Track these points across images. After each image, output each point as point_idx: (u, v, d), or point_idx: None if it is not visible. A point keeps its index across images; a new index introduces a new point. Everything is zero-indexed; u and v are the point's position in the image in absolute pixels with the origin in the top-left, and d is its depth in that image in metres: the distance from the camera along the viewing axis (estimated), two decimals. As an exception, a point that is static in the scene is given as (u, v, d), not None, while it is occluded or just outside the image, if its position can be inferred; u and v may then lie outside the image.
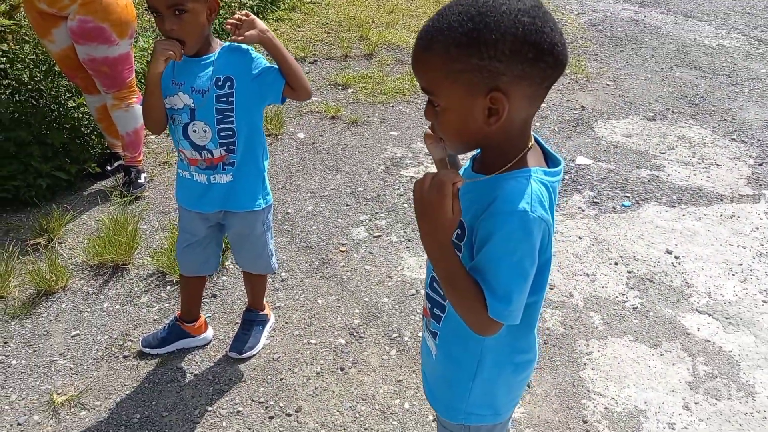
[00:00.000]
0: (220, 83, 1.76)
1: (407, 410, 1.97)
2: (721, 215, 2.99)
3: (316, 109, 4.25)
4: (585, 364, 2.12)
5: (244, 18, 1.72)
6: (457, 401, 1.20)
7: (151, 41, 4.63)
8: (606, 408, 1.95)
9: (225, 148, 1.82)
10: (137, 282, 2.60)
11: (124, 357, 2.20)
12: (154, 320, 2.38)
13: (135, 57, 4.30)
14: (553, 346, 2.19)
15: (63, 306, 2.46)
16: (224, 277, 2.60)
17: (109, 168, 3.35)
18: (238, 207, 1.92)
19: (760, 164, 3.51)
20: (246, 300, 2.37)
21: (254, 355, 2.19)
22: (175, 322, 2.20)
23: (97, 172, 3.31)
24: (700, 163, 3.52)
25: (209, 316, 2.36)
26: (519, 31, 0.90)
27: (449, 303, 1.12)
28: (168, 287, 2.56)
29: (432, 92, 0.98)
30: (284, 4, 6.56)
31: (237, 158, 1.85)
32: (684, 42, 6.02)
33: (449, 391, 1.21)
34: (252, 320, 2.23)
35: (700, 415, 1.92)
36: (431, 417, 1.95)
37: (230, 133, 1.80)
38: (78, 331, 2.33)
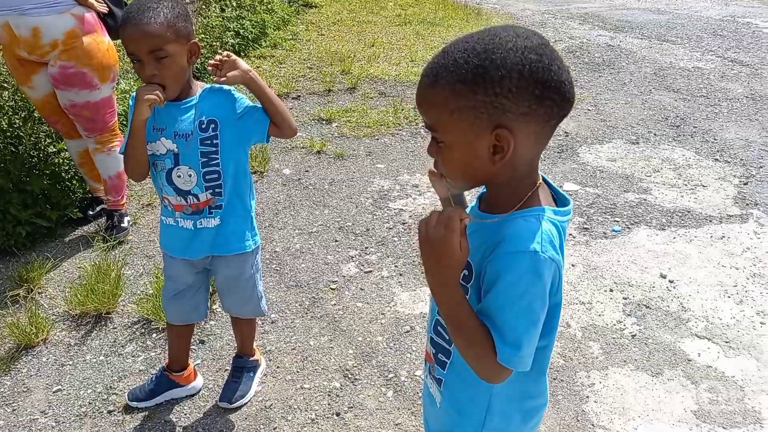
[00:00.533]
0: (203, 126, 1.72)
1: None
2: (712, 236, 2.98)
3: (301, 145, 4.23)
4: (587, 396, 2.07)
5: (225, 59, 1.70)
6: None
7: (132, 83, 4.60)
8: (612, 443, 1.90)
9: (211, 191, 1.77)
10: (121, 331, 2.51)
11: (109, 412, 2.11)
12: (140, 371, 2.29)
13: (116, 99, 4.27)
14: (554, 379, 2.14)
15: (44, 360, 2.36)
16: (212, 322, 2.52)
17: (91, 213, 3.28)
18: (227, 251, 1.86)
19: (745, 183, 3.53)
20: (235, 345, 2.29)
21: (246, 404, 2.10)
22: (163, 372, 2.11)
23: (78, 218, 3.24)
24: (686, 185, 3.54)
25: (198, 364, 2.28)
26: (525, 68, 0.88)
27: (455, 348, 1.08)
28: (154, 335, 2.48)
29: (436, 129, 0.96)
30: (265, 42, 6.61)
31: (224, 201, 1.80)
32: (660, 65, 6.13)
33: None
34: (242, 367, 2.15)
35: (709, 445, 1.87)
36: (433, 461, 1.87)
37: (216, 175, 1.76)
38: (60, 386, 2.23)
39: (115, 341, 2.45)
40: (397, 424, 2.00)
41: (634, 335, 2.34)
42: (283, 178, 3.81)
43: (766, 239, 2.94)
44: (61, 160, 3.39)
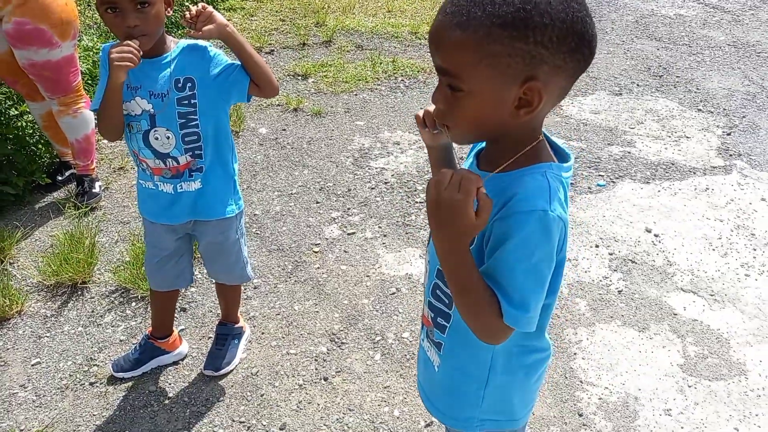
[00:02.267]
0: (180, 85, 1.61)
1: (397, 418, 1.88)
2: (696, 189, 2.97)
3: (277, 102, 4.09)
4: (575, 353, 2.07)
5: (201, 11, 1.57)
6: (468, 410, 1.13)
7: (96, 39, 4.38)
8: (600, 398, 1.91)
9: (191, 153, 1.68)
10: (99, 300, 2.44)
11: (91, 384, 2.06)
12: (121, 341, 2.24)
13: (80, 58, 4.05)
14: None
15: (20, 332, 2.29)
16: (193, 289, 2.45)
17: (60, 178, 3.15)
18: (210, 215, 1.79)
19: (728, 134, 3.51)
20: (218, 312, 2.24)
21: (231, 371, 2.07)
22: (147, 340, 2.06)
23: (47, 184, 3.10)
24: (669, 137, 3.51)
25: (181, 330, 2.23)
26: (568, 18, 0.82)
27: (455, 311, 1.03)
28: (133, 304, 2.41)
29: (457, 75, 0.87)
30: (235, -7, 6.32)
31: (205, 163, 1.71)
32: (642, 13, 6.02)
33: (459, 402, 1.14)
34: (227, 334, 2.10)
35: (696, 398, 1.89)
36: (423, 423, 1.87)
37: (195, 137, 1.67)
38: (38, 359, 2.16)
39: (93, 311, 2.38)
40: (386, 387, 1.99)
41: (621, 291, 2.34)
42: (259, 138, 3.69)
43: (749, 190, 2.94)
44: (24, 124, 3.22)
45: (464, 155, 1.16)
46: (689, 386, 1.93)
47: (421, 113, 1.07)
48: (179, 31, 4.72)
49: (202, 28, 1.56)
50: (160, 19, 1.56)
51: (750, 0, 6.38)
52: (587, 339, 2.12)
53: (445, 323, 1.08)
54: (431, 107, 0.99)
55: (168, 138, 1.65)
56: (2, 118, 3.16)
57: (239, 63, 1.65)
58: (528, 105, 0.86)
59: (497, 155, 0.94)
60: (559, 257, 0.93)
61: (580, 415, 1.85)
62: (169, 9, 1.59)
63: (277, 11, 5.91)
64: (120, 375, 2.05)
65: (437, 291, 1.08)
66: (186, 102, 1.63)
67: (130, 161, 3.45)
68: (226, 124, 1.76)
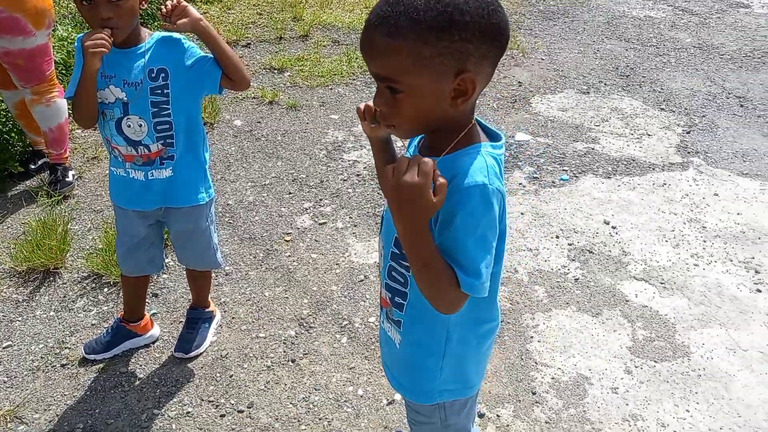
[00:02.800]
0: (153, 75, 1.68)
1: (361, 396, 1.97)
2: (654, 184, 3.10)
3: (253, 95, 4.14)
4: (532, 337, 2.17)
5: (176, 5, 1.64)
6: (428, 383, 1.21)
7: (70, 30, 4.37)
8: (553, 378, 2.01)
9: (162, 142, 1.75)
10: (71, 286, 2.48)
11: (62, 366, 2.11)
12: (93, 325, 2.28)
13: (54, 48, 4.05)
14: (501, 321, 2.23)
15: (-9, 315, 2.32)
16: (165, 276, 2.51)
17: (32, 167, 3.16)
18: (180, 202, 1.85)
19: (688, 132, 3.66)
20: (189, 297, 2.30)
21: (201, 354, 2.13)
22: (119, 323, 2.11)
23: (20, 172, 3.12)
24: (632, 134, 3.64)
25: (153, 314, 2.28)
26: (485, 12, 0.91)
27: (411, 289, 1.12)
28: (105, 289, 2.45)
29: (393, 79, 0.95)
30: (213, -14, 6.32)
31: (176, 152, 1.78)
32: (613, 14, 6.17)
33: (419, 376, 1.22)
34: (197, 318, 2.16)
35: (641, 377, 2.01)
36: (385, 401, 1.95)
37: (167, 126, 1.73)
38: (10, 342, 2.20)
39: (65, 296, 2.42)
40: (351, 368, 2.07)
41: (577, 279, 2.45)
42: (234, 130, 3.74)
43: (703, 186, 3.08)
44: (-3, 112, 3.23)
45: (404, 144, 1.24)
46: (636, 367, 2.04)
47: (362, 106, 1.14)
48: (155, 23, 4.73)
49: (176, 22, 1.62)
50: (134, 11, 1.62)
51: (717, 3, 6.58)
52: (544, 323, 2.23)
53: (403, 301, 1.16)
54: (371, 101, 1.07)
55: (140, 126, 1.71)
56: (-25, 106, 3.17)
57: (212, 56, 1.71)
58: (463, 94, 0.95)
59: (437, 142, 1.03)
60: (500, 227, 1.02)
61: (534, 393, 1.96)
62: (143, 2, 1.65)
63: (254, 5, 5.94)
64: (92, 357, 2.10)
65: (393, 272, 1.16)
66: (159, 92, 1.69)
67: (104, 151, 3.47)
68: (198, 114, 1.82)
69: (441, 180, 0.92)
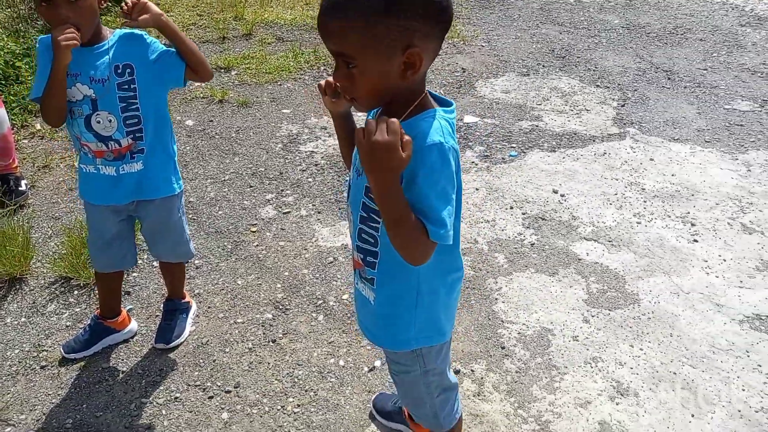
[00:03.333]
0: (119, 71, 1.72)
1: (342, 367, 2.07)
2: (595, 154, 3.32)
3: (201, 95, 4.15)
4: (496, 299, 2.32)
5: (136, 2, 1.68)
6: (404, 333, 1.32)
7: (5, 38, 4.26)
8: (519, 333, 2.17)
9: (132, 136, 1.79)
10: (40, 292, 2.47)
11: (42, 368, 2.11)
12: (67, 326, 2.29)
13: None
14: (467, 288, 2.37)
15: (-40, 328, 2.29)
16: (135, 274, 2.53)
17: None
18: (153, 194, 1.89)
19: (622, 105, 3.91)
20: (162, 292, 2.34)
21: (182, 343, 2.18)
22: (97, 321, 2.13)
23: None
24: (572, 110, 3.86)
25: (129, 309, 2.31)
26: None
27: (382, 248, 1.22)
28: (75, 292, 2.46)
29: (349, 56, 1.06)
30: (149, -11, 6.24)
31: (146, 145, 1.82)
32: (546, 0, 6.45)
33: (395, 326, 1.32)
34: (174, 309, 2.21)
35: (598, 324, 2.18)
36: (366, 369, 2.06)
37: (136, 120, 1.77)
38: (-17, 351, 2.19)
39: (34, 302, 2.41)
40: (330, 342, 2.16)
41: (533, 244, 2.62)
42: (187, 130, 3.75)
43: (640, 152, 3.32)
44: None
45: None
46: (592, 316, 2.22)
47: (323, 82, 1.25)
48: (117, 20, 4.66)
49: (138, 18, 1.67)
50: (94, 10, 1.66)
51: (640, -14, 6.97)
52: (506, 286, 2.38)
53: (374, 260, 1.27)
54: (332, 78, 1.18)
55: (110, 121, 1.75)
56: None
57: (174, 49, 1.77)
58: (412, 67, 1.07)
59: (394, 112, 1.13)
60: (456, 182, 1.13)
61: (503, 348, 2.10)
62: (103, 1, 1.69)
63: (193, 6, 5.90)
64: (71, 356, 2.11)
65: (363, 234, 1.26)
66: (126, 87, 1.74)
67: (55, 159, 3.43)
68: (165, 107, 1.87)
69: (407, 137, 1.03)
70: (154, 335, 2.19)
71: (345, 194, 1.41)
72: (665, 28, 5.40)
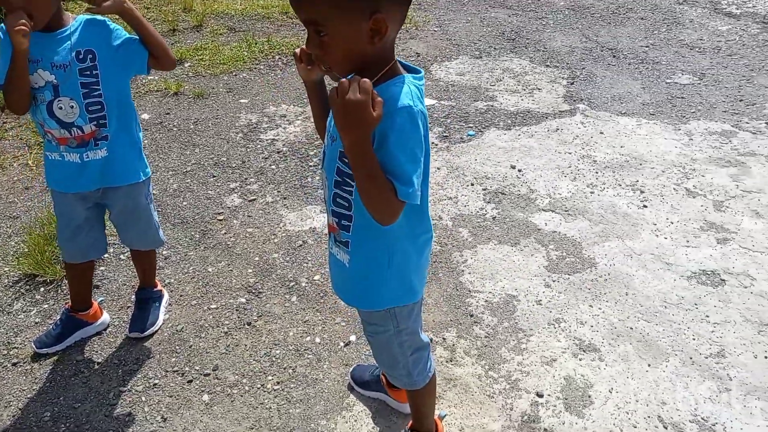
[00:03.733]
0: (81, 56, 1.71)
1: (319, 343, 2.12)
2: (548, 130, 3.45)
3: (156, 88, 4.10)
4: (462, 271, 2.42)
5: None
6: (378, 292, 1.38)
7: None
8: (486, 301, 2.27)
9: (95, 123, 1.79)
10: (4, 291, 2.43)
11: (14, 365, 2.09)
12: (36, 323, 2.27)
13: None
14: (434, 262, 2.46)
15: None
16: (102, 268, 2.51)
17: None
18: (119, 181, 1.90)
19: (572, 83, 4.06)
20: (133, 284, 2.34)
21: (157, 331, 2.19)
22: (68, 315, 2.12)
23: None
24: (524, 90, 3.99)
25: (101, 301, 2.30)
26: None
27: (355, 211, 1.28)
28: (41, 288, 2.43)
29: (320, 23, 1.11)
30: (93, -17, 6.07)
31: (110, 132, 1.82)
32: (493, -16, 6.58)
33: (370, 286, 1.39)
34: (147, 298, 2.22)
35: (559, 288, 2.31)
36: (342, 344, 2.12)
37: (99, 107, 1.77)
38: (-50, 352, 2.15)
39: (-1, 302, 2.38)
40: (305, 321, 2.22)
41: (494, 217, 2.72)
42: (143, 123, 3.70)
43: (590, 127, 3.47)
44: None
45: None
46: (553, 281, 2.34)
47: (298, 51, 1.30)
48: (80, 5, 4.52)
49: (101, 4, 1.67)
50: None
51: (582, -31, 7.18)
52: (471, 258, 2.48)
53: (349, 223, 1.33)
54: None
55: (72, 107, 1.74)
56: None
57: (138, 37, 1.77)
58: (378, 33, 1.13)
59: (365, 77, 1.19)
60: (425, 145, 1.19)
61: (471, 316, 2.20)
62: None
63: (140, -1, 5.78)
64: (44, 351, 2.10)
65: (337, 199, 1.32)
66: (88, 72, 1.73)
67: (8, 158, 3.34)
68: (128, 94, 1.87)
69: (378, 98, 1.09)
70: (128, 325, 2.19)
71: (320, 163, 1.45)
72: (608, 8, 5.60)
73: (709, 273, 2.34)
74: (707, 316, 2.15)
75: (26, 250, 2.57)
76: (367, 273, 1.38)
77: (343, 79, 1.10)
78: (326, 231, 1.46)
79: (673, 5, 5.47)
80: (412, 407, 1.71)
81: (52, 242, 2.51)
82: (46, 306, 2.35)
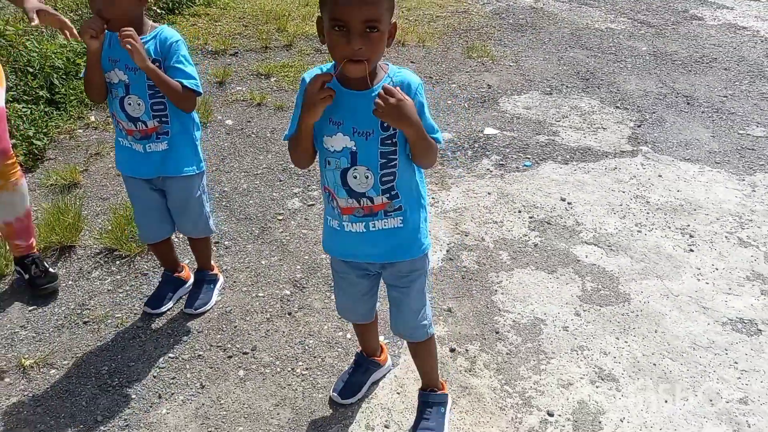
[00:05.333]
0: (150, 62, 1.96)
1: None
2: (606, 168, 3.48)
3: (242, 98, 4.46)
4: (496, 290, 2.51)
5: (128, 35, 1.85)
6: (423, 238, 1.70)
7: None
8: (513, 321, 2.34)
9: (158, 119, 2.05)
10: (86, 260, 2.75)
11: (84, 323, 2.38)
12: (108, 290, 2.56)
13: (55, 53, 4.33)
14: (470, 279, 2.57)
15: (15, 286, 2.59)
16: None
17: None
18: (175, 172, 2.15)
19: (639, 126, 4.06)
20: (194, 267, 2.59)
21: (208, 310, 2.42)
22: (166, 274, 2.45)
23: (28, 166, 3.39)
24: (589, 128, 4.03)
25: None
26: None
27: (397, 180, 1.58)
28: (117, 262, 2.73)
29: (378, 20, 1.37)
30: (199, 0, 6.66)
31: (170, 128, 2.08)
32: (577, 26, 6.63)
33: (419, 236, 1.69)
34: (202, 279, 2.46)
35: (588, 318, 2.35)
36: (370, 342, 2.26)
37: (162, 106, 2.04)
38: (35, 306, 2.47)
39: (81, 269, 2.70)
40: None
41: (536, 245, 2.80)
42: (226, 128, 4.05)
43: (650, 169, 3.47)
44: None
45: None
46: (584, 311, 2.39)
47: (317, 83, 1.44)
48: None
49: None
50: (124, 9, 1.88)
51: (673, 16, 7.09)
52: (506, 280, 2.57)
53: (396, 191, 1.59)
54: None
55: (139, 105, 2.02)
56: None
57: (181, 69, 1.99)
58: (392, 37, 1.43)
59: (373, 74, 1.47)
60: None
61: (497, 333, 2.28)
62: (143, 1, 1.96)
63: (240, 18, 6.29)
64: (156, 311, 2.40)
65: (384, 178, 1.56)
66: None
67: (106, 148, 3.75)
68: None
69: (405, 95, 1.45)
70: (185, 302, 2.44)
71: (338, 178, 1.60)
72: (692, 56, 5.52)
73: (746, 321, 2.31)
74: (736, 362, 2.13)
75: (109, 227, 2.90)
76: (417, 224, 1.67)
77: (386, 85, 1.40)
78: (360, 227, 1.64)
79: (761, 58, 5.33)
80: (421, 369, 1.94)
81: (132, 223, 2.82)
82: (119, 277, 2.64)
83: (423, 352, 1.89)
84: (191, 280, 2.49)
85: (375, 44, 1.39)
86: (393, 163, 1.56)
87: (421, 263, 1.73)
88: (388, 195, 1.59)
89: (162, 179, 2.18)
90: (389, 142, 1.53)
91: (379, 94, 1.37)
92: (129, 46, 1.83)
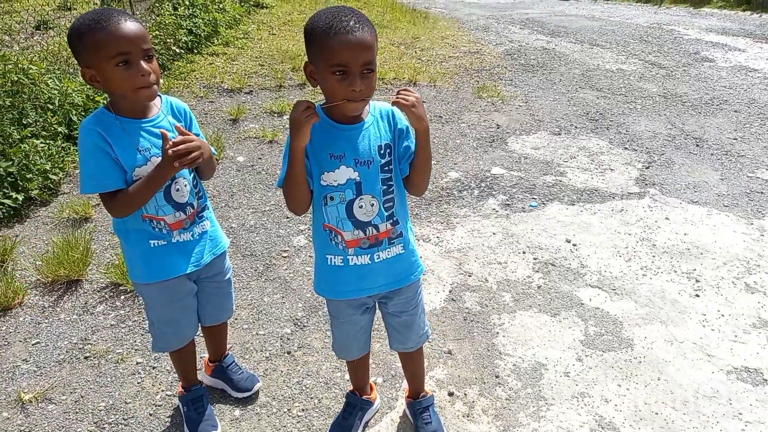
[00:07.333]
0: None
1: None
2: (612, 210, 3.47)
3: (254, 135, 4.55)
4: (497, 333, 2.48)
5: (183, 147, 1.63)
6: (417, 261, 1.78)
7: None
8: (514, 365, 2.31)
9: (199, 196, 1.85)
10: (92, 294, 2.79)
11: (86, 358, 2.39)
12: (112, 325, 2.58)
13: (74, 91, 4.46)
14: (471, 321, 2.55)
15: (21, 319, 2.62)
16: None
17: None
18: (222, 247, 1.96)
19: (647, 167, 4.05)
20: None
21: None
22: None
23: (42, 199, 3.47)
24: (597, 169, 4.03)
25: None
26: None
27: (396, 205, 1.67)
28: (122, 297, 2.76)
29: (374, 61, 1.45)
30: (218, 40, 6.87)
31: (205, 202, 1.90)
32: (588, 67, 6.71)
33: (415, 260, 1.77)
34: (232, 360, 2.29)
35: (590, 364, 2.31)
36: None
37: (197, 181, 1.86)
38: (38, 340, 2.50)
39: (86, 303, 2.73)
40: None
41: (540, 286, 2.77)
42: (237, 165, 4.12)
43: (657, 211, 3.45)
44: (27, 147, 3.61)
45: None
46: (586, 356, 2.35)
47: (311, 116, 1.48)
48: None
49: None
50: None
51: (684, 58, 7.15)
52: (508, 322, 2.54)
53: (397, 217, 1.66)
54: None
55: (185, 186, 1.79)
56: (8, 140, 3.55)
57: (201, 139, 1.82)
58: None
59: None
60: None
61: (497, 377, 2.25)
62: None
63: (256, 57, 6.46)
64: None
65: (386, 204, 1.62)
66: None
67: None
68: None
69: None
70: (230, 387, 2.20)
71: (343, 211, 1.62)
72: (702, 98, 5.54)
73: (751, 371, 2.26)
74: (740, 413, 2.07)
75: (116, 261, 2.94)
76: (413, 246, 1.75)
77: (407, 87, 1.53)
78: (365, 259, 1.66)
79: (772, 100, 5.32)
80: (415, 375, 2.01)
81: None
82: (123, 312, 2.67)
83: (418, 355, 1.99)
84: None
85: (372, 83, 1.48)
86: (391, 189, 1.65)
87: (419, 280, 1.82)
88: (391, 221, 1.66)
89: (207, 265, 1.90)
90: (387, 168, 1.63)
91: (399, 93, 1.50)
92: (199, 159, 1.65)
